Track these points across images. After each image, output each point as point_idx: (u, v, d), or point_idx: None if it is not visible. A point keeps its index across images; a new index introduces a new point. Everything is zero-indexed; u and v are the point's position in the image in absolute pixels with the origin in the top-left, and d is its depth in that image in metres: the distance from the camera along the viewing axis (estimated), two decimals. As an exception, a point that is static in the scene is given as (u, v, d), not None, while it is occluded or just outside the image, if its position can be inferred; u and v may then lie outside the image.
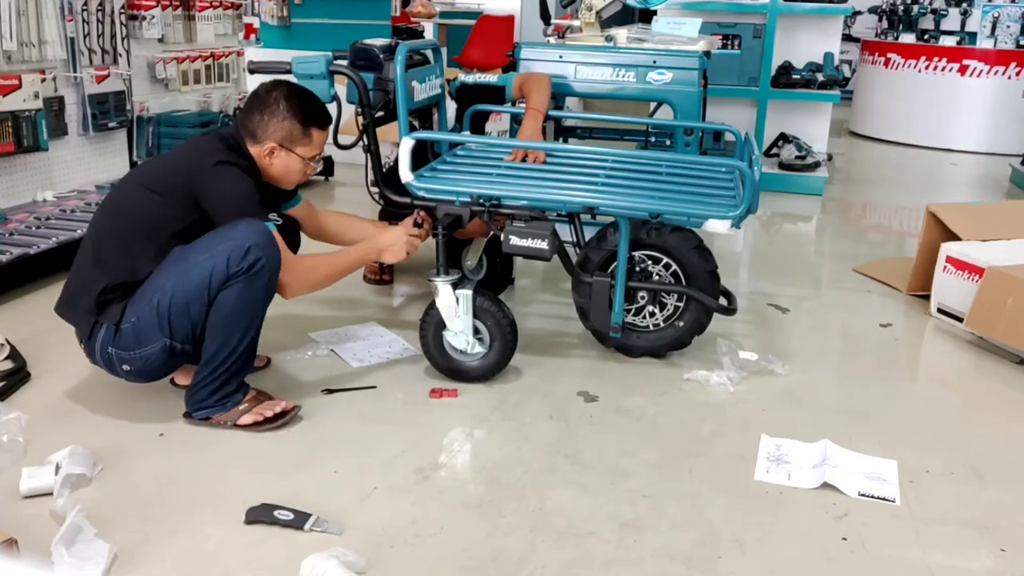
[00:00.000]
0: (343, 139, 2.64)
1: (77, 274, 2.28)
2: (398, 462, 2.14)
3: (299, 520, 1.85)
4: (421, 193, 2.48)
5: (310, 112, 2.34)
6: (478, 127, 3.20)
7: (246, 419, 2.27)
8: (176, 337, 2.18)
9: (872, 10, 8.45)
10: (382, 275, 3.45)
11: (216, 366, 2.21)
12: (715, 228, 2.34)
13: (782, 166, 5.47)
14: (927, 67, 7.38)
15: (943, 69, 7.31)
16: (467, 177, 2.60)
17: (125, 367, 2.22)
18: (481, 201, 2.42)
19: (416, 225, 2.51)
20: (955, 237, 3.30)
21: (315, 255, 2.40)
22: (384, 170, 2.73)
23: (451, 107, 3.13)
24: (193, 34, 4.63)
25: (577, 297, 2.75)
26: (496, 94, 3.10)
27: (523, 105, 3.00)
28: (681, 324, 2.73)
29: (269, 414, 2.28)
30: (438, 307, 2.49)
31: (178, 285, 2.15)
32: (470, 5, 7.82)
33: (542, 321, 3.13)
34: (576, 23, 4.44)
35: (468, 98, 3.08)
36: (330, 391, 2.50)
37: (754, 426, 2.38)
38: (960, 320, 3.08)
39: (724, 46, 5.54)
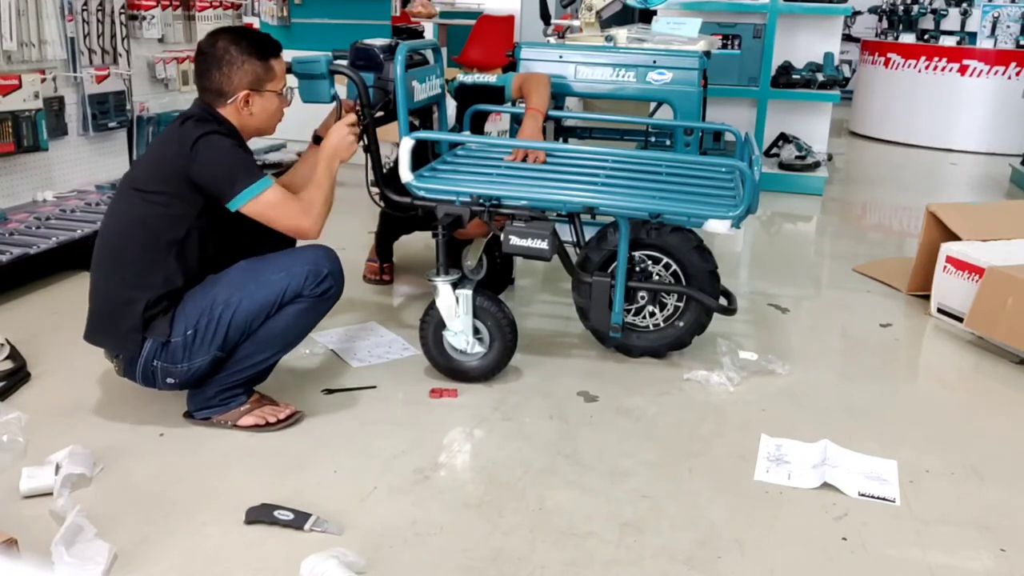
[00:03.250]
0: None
1: (106, 297, 2.21)
2: (398, 462, 2.14)
3: (299, 520, 1.86)
4: (421, 193, 2.48)
5: (261, 46, 2.28)
6: (477, 127, 3.20)
7: (247, 420, 2.27)
8: (226, 348, 2.18)
9: (872, 10, 8.45)
10: (382, 275, 3.45)
11: (237, 369, 2.22)
12: (715, 228, 2.34)
13: (782, 166, 5.46)
14: (927, 67, 7.38)
15: (943, 69, 7.31)
16: (467, 177, 2.60)
17: (169, 380, 2.20)
18: (481, 201, 2.42)
19: (349, 113, 2.44)
20: (955, 237, 3.30)
21: (301, 196, 2.29)
22: (384, 171, 2.73)
23: (451, 106, 3.13)
24: (193, 34, 4.63)
25: (577, 297, 2.75)
26: (495, 94, 3.10)
27: (523, 105, 3.00)
28: (681, 324, 2.73)
29: (272, 420, 2.28)
30: (438, 307, 2.49)
31: (248, 301, 2.15)
32: (470, 5, 7.82)
33: (542, 321, 3.13)
34: (576, 23, 4.44)
35: (467, 98, 3.08)
36: (330, 391, 2.50)
37: (754, 426, 2.38)
38: (960, 320, 3.08)
39: (724, 46, 5.54)
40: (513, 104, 3.16)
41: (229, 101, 2.24)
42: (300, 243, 2.33)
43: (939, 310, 3.24)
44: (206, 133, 2.16)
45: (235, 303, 2.14)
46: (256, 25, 5.81)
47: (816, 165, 5.50)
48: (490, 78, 3.14)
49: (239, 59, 2.23)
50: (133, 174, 2.31)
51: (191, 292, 2.18)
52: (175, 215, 2.16)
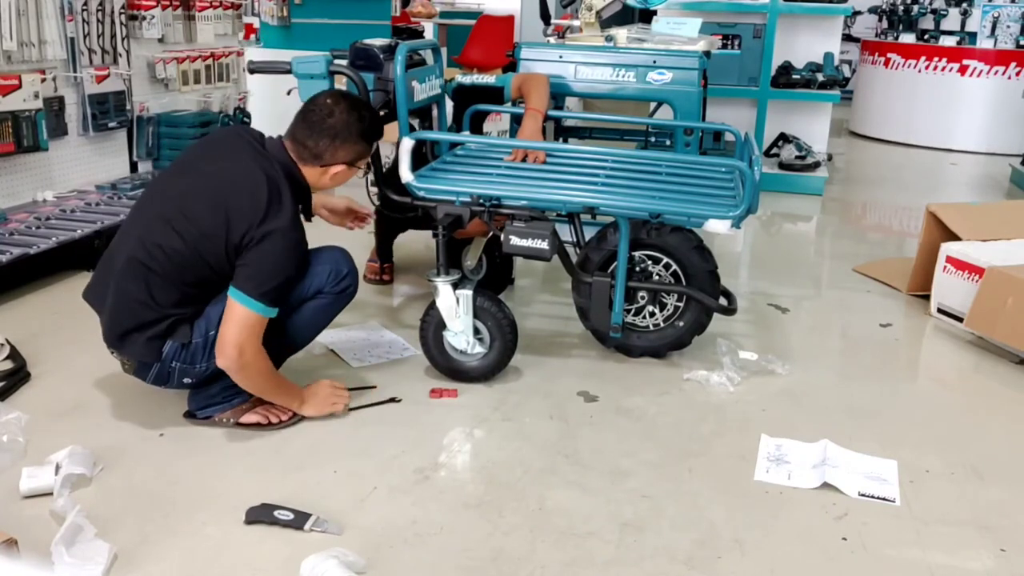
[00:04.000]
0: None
1: (129, 309, 2.13)
2: (398, 462, 2.14)
3: (299, 520, 1.85)
4: (421, 193, 2.48)
5: (375, 128, 2.29)
6: (475, 127, 3.20)
7: (250, 417, 2.27)
8: None
9: (872, 10, 8.45)
10: (382, 275, 3.45)
11: None
12: (715, 228, 2.34)
13: (782, 166, 5.46)
14: (927, 67, 7.37)
15: (943, 69, 7.31)
16: (467, 177, 2.60)
17: (186, 380, 2.20)
18: (481, 201, 2.42)
19: (338, 389, 2.37)
20: (955, 237, 3.30)
21: (260, 354, 2.16)
22: (384, 170, 2.73)
23: (448, 106, 3.13)
24: (193, 34, 4.63)
25: (577, 297, 2.75)
26: (494, 94, 3.10)
27: (523, 105, 2.99)
28: (681, 324, 2.73)
29: (275, 419, 2.27)
30: (438, 307, 2.49)
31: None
32: (470, 5, 7.82)
33: (542, 321, 3.13)
34: (576, 23, 4.44)
35: (466, 99, 3.08)
36: (330, 391, 2.50)
37: (754, 426, 2.38)
38: (960, 320, 3.08)
39: (724, 46, 5.54)
40: (514, 104, 3.16)
41: (320, 167, 2.23)
42: (319, 244, 2.34)
43: (939, 310, 3.24)
44: (282, 229, 2.08)
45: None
46: (256, 25, 5.81)
47: (816, 165, 5.50)
48: (488, 78, 3.14)
49: (353, 138, 2.22)
50: (181, 200, 2.14)
51: (214, 298, 2.18)
52: (202, 258, 2.11)
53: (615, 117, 4.05)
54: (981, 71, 7.18)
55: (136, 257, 2.11)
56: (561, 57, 3.43)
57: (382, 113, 2.67)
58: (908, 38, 7.59)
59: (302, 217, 2.27)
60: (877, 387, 2.68)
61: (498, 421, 2.38)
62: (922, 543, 1.90)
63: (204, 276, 2.14)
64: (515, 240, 2.42)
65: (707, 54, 3.63)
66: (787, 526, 1.95)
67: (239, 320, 2.07)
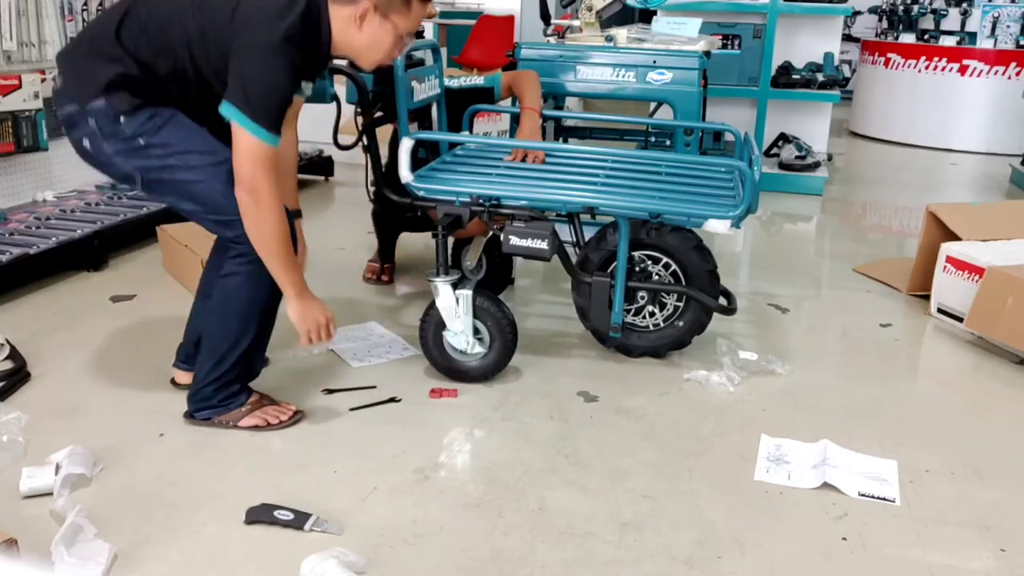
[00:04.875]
0: (343, 139, 2.64)
1: (98, 31, 2.02)
2: (398, 462, 2.14)
3: (299, 520, 1.86)
4: (421, 193, 2.48)
5: None
6: (469, 128, 3.20)
7: (248, 421, 2.26)
8: (146, 183, 2.08)
9: (872, 10, 8.45)
10: (380, 275, 3.45)
11: (218, 362, 2.20)
12: (715, 228, 2.34)
13: (782, 166, 5.46)
14: (927, 67, 7.37)
15: (943, 69, 7.31)
16: (467, 177, 2.60)
17: (106, 147, 2.03)
18: (481, 201, 2.42)
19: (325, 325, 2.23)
20: (955, 237, 3.30)
21: (275, 210, 2.02)
22: (383, 170, 2.73)
23: None
24: (193, 34, 4.63)
25: (577, 297, 2.75)
26: (484, 95, 3.09)
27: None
28: (681, 324, 2.73)
29: (274, 420, 2.27)
30: (438, 307, 2.49)
31: (202, 187, 2.05)
32: (470, 5, 7.81)
33: (542, 321, 3.13)
34: (576, 23, 4.44)
35: (455, 102, 3.07)
36: (330, 391, 2.50)
37: (754, 426, 2.38)
38: (960, 320, 3.08)
39: (724, 46, 5.54)
40: (513, 103, 3.16)
41: (347, 6, 2.01)
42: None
43: (939, 310, 3.24)
44: (287, 50, 1.92)
45: (193, 177, 2.03)
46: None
47: (816, 165, 5.50)
48: (477, 79, 3.13)
49: None
50: None
51: (175, 117, 2.03)
52: (198, 53, 1.98)
53: (615, 117, 4.05)
54: (981, 71, 7.18)
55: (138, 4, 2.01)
56: (561, 57, 3.43)
57: (381, 113, 2.67)
58: (908, 38, 7.59)
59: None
60: (877, 387, 2.68)
61: (498, 421, 2.38)
62: (922, 543, 1.90)
63: (180, 58, 1.99)
64: (515, 240, 2.42)
65: (707, 54, 3.63)
66: (787, 526, 1.95)
67: (246, 151, 1.93)
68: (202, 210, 2.10)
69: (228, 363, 2.21)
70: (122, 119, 2.00)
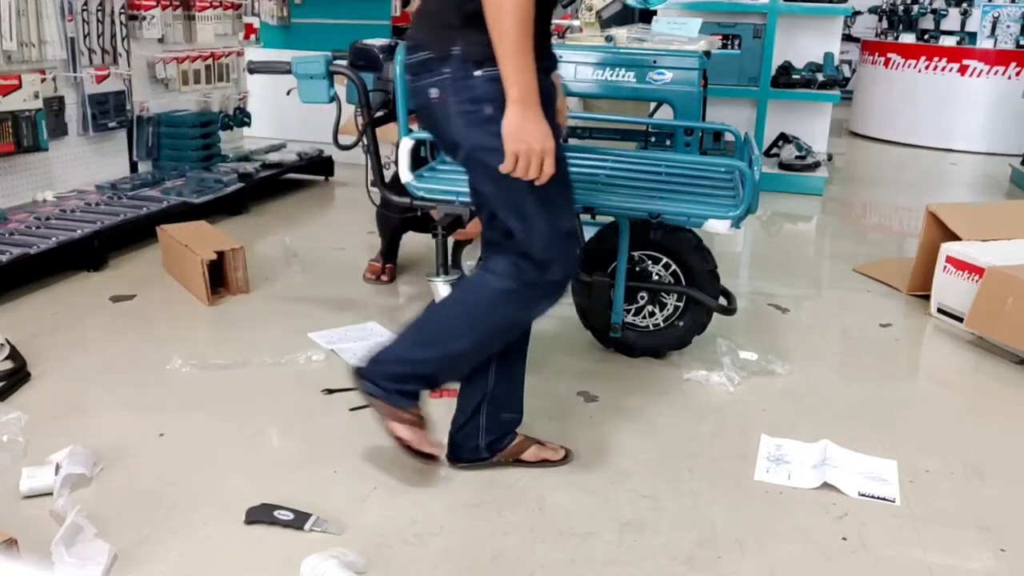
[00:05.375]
0: (343, 139, 2.64)
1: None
2: (398, 462, 2.14)
3: (299, 520, 1.86)
4: (421, 193, 2.48)
5: None
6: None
7: (400, 431, 1.98)
8: (481, 194, 1.88)
9: (872, 10, 8.45)
10: (381, 275, 3.45)
11: (418, 346, 1.96)
12: (715, 228, 2.34)
13: (782, 166, 5.46)
14: (927, 67, 7.37)
15: (943, 69, 7.31)
16: (467, 177, 2.59)
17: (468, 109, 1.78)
18: (481, 201, 2.42)
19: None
20: (955, 237, 3.30)
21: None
22: (388, 180, 2.73)
23: None
24: (193, 34, 4.63)
25: (577, 297, 2.75)
26: None
27: None
28: (681, 324, 2.73)
29: (423, 449, 2.01)
30: (438, 307, 2.49)
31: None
32: (470, 5, 7.81)
33: (542, 321, 3.11)
34: (576, 23, 4.45)
35: None
36: (330, 391, 2.50)
37: (754, 426, 2.38)
38: (960, 320, 3.08)
39: (724, 46, 5.53)
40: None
41: None
42: None
43: (939, 310, 3.24)
44: None
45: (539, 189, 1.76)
46: (256, 25, 5.81)
47: (816, 165, 5.50)
48: None
49: None
50: None
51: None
52: None
53: (615, 117, 4.05)
54: (981, 71, 7.18)
55: None
56: (561, 57, 3.42)
57: (382, 113, 2.67)
58: (908, 38, 7.59)
59: None
60: (877, 387, 2.68)
61: (498, 421, 2.37)
62: (922, 543, 1.90)
63: None
64: (515, 240, 2.42)
65: (707, 54, 3.63)
66: (787, 526, 1.95)
67: None
68: (505, 209, 1.85)
69: (425, 355, 1.97)
70: (476, 72, 1.76)
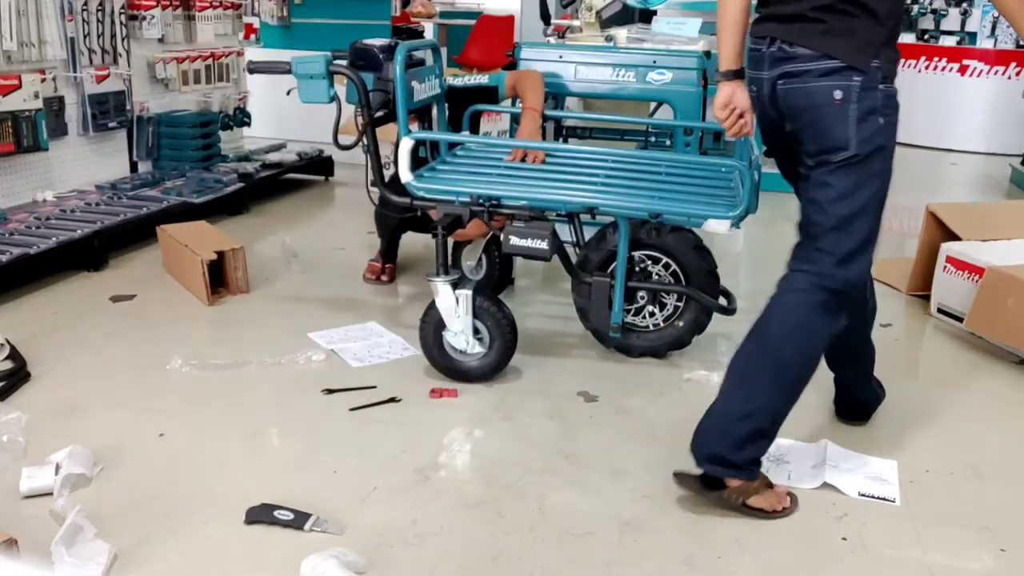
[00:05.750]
0: (343, 139, 2.64)
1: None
2: (398, 462, 2.14)
3: (299, 520, 1.86)
4: (421, 193, 2.48)
5: None
6: (472, 127, 3.20)
7: (758, 501, 1.93)
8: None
9: (872, 10, 8.45)
10: (380, 275, 3.45)
11: (772, 391, 1.96)
12: (715, 228, 2.34)
13: (782, 166, 5.45)
14: (927, 67, 7.37)
15: (943, 69, 7.30)
16: (467, 177, 2.59)
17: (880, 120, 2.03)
18: (481, 201, 2.42)
19: None
20: (955, 237, 3.30)
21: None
22: (387, 180, 2.72)
23: None
24: (193, 34, 4.63)
25: (577, 297, 2.75)
26: (487, 95, 3.09)
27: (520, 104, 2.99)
28: (681, 324, 2.73)
29: (779, 507, 1.96)
30: (438, 307, 2.49)
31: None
32: (470, 5, 7.82)
33: (542, 321, 3.13)
34: (576, 23, 4.45)
35: (459, 101, 3.07)
36: (330, 391, 2.50)
37: (754, 426, 2.37)
38: (960, 320, 3.08)
39: (724, 46, 5.52)
40: (513, 103, 3.16)
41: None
42: None
43: (939, 310, 3.24)
44: None
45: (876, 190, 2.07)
46: (256, 25, 5.81)
47: (816, 165, 5.48)
48: (481, 79, 3.13)
49: None
50: None
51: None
52: None
53: (615, 117, 4.05)
54: (981, 71, 7.18)
55: None
56: (561, 57, 3.43)
57: (381, 113, 2.67)
58: (908, 38, 7.58)
59: None
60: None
61: (498, 421, 2.38)
62: (922, 543, 1.90)
63: None
64: (515, 240, 2.42)
65: (707, 54, 3.63)
66: (787, 526, 1.95)
67: None
68: (846, 213, 2.09)
69: (776, 402, 1.96)
70: (882, 86, 2.02)
